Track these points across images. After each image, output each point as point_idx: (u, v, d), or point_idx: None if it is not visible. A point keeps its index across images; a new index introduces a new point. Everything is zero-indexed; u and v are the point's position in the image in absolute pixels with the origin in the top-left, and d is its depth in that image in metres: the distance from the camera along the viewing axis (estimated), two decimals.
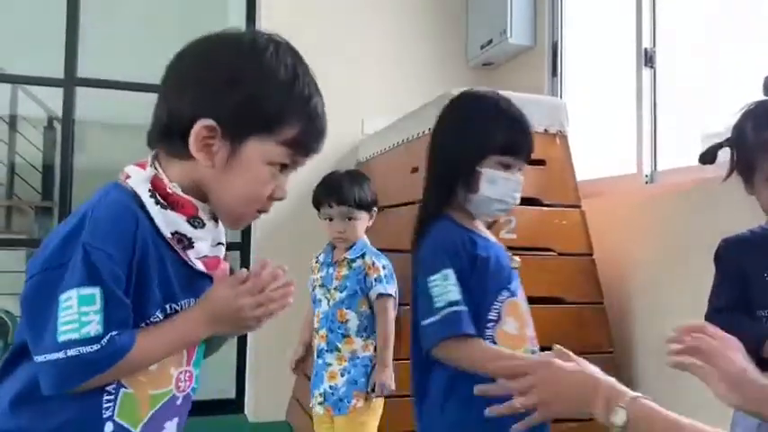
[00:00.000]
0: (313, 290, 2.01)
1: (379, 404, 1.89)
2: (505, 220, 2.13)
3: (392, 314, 1.90)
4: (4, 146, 5.00)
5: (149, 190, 0.82)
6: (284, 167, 0.86)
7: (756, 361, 1.26)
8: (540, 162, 2.20)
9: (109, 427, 0.80)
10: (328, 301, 1.94)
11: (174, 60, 0.87)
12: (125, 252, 0.78)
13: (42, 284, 0.78)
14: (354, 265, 1.93)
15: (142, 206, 0.81)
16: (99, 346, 0.75)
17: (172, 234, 0.83)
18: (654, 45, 2.36)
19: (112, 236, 0.78)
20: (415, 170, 2.29)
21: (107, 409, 0.80)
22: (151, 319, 0.82)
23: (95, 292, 0.75)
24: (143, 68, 3.06)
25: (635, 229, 2.26)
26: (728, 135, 1.32)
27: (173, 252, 0.84)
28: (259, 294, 0.87)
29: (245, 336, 2.99)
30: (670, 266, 2.06)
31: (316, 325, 1.97)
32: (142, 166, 0.85)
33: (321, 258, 2.04)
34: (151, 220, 0.81)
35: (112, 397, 0.80)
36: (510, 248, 2.12)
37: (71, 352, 0.74)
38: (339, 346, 1.91)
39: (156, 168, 0.84)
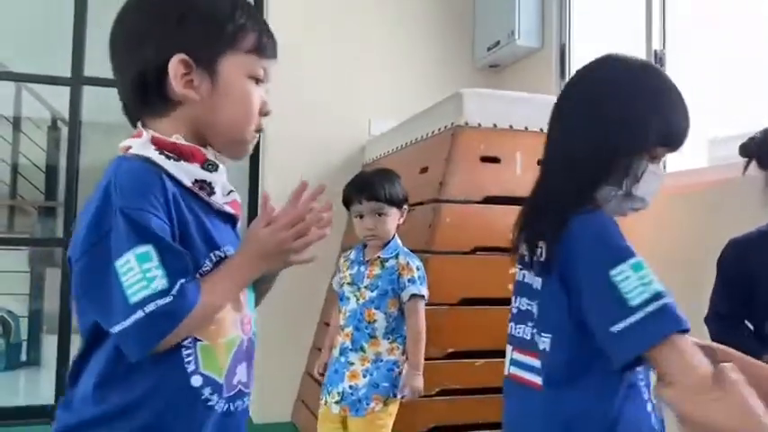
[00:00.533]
0: (341, 287, 1.97)
1: (395, 407, 1.86)
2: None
3: (423, 315, 1.87)
4: (8, 146, 4.99)
5: (155, 150, 0.83)
6: (258, 82, 0.90)
7: None
8: None
9: (197, 380, 0.82)
10: (357, 299, 1.90)
11: (116, 25, 0.89)
12: (161, 207, 0.79)
13: (92, 262, 0.78)
14: (387, 264, 1.90)
15: (156, 166, 0.82)
16: (171, 297, 0.76)
17: (193, 183, 0.84)
18: (664, 47, 2.36)
19: (144, 194, 0.78)
20: (424, 170, 2.29)
21: (189, 363, 0.81)
22: (203, 269, 0.83)
23: (149, 249, 0.76)
24: None
25: (643, 232, 2.25)
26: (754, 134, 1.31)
27: (199, 201, 0.85)
28: (298, 225, 0.88)
29: None
30: (678, 268, 2.05)
31: (342, 322, 1.93)
32: (135, 135, 0.86)
33: (352, 256, 2.00)
34: (170, 176, 0.82)
35: (191, 351, 0.81)
36: None
37: (149, 308, 0.74)
38: (365, 345, 1.87)
39: (149, 131, 0.85)
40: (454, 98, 2.16)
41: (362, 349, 1.86)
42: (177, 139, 0.84)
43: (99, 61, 3.30)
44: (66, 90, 3.11)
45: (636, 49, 2.44)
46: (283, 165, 2.99)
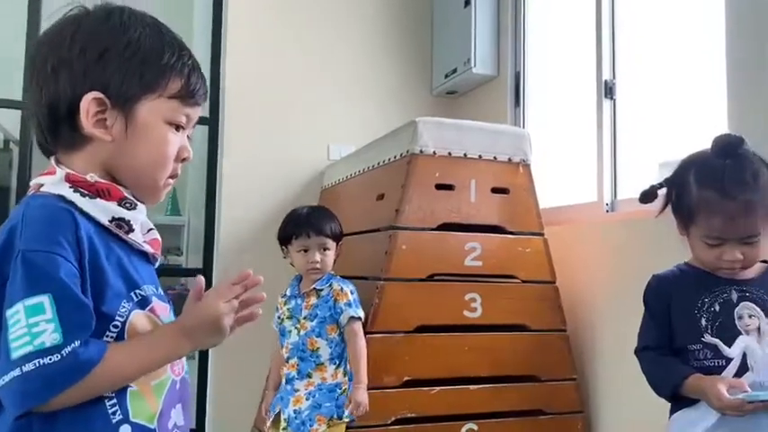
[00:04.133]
0: (280, 323, 2.04)
1: (339, 430, 1.88)
2: (470, 247, 2.15)
3: (362, 335, 1.94)
4: None
5: (69, 187, 0.80)
6: (179, 128, 0.87)
7: (672, 399, 1.32)
8: (504, 191, 2.23)
9: (126, 429, 0.78)
10: (298, 330, 1.98)
11: (36, 49, 0.86)
12: (72, 250, 0.75)
13: None
14: (323, 293, 1.98)
15: (70, 204, 0.79)
16: (59, 357, 0.71)
17: (110, 221, 0.81)
18: (614, 77, 2.43)
19: (53, 234, 0.74)
20: (380, 197, 2.30)
21: (114, 413, 0.77)
22: (120, 312, 0.79)
23: (42, 300, 0.71)
24: None
25: (596, 257, 2.29)
26: (668, 176, 1.39)
27: (117, 240, 0.82)
28: (234, 299, 0.85)
29: (206, 366, 2.94)
30: (630, 293, 2.08)
31: (286, 355, 2.00)
32: (47, 173, 0.83)
33: (288, 292, 2.08)
34: (84, 214, 0.79)
35: (115, 400, 0.77)
36: (476, 276, 2.16)
37: (27, 367, 0.70)
38: (311, 372, 1.94)
39: (63, 168, 0.82)
40: (410, 126, 2.18)
41: (309, 376, 1.93)
42: (92, 177, 0.81)
43: None
44: (17, 112, 3.04)
45: (587, 79, 2.51)
46: (242, 189, 2.97)
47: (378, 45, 3.34)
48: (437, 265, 2.12)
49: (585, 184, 2.48)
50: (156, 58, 0.84)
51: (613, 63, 2.44)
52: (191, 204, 4.00)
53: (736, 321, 1.27)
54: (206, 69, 3.01)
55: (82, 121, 0.81)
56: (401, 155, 2.20)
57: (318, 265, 1.98)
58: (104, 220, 0.81)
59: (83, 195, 0.80)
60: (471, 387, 2.08)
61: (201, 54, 3.01)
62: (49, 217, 0.76)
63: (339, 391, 1.91)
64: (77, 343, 0.72)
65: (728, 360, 1.26)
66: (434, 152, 2.15)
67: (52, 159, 0.85)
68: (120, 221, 0.82)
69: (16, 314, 0.71)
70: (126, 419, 0.78)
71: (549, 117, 2.87)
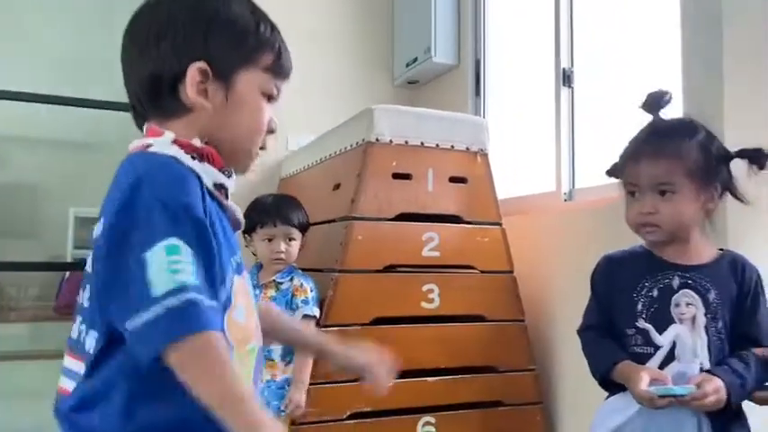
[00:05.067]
0: None
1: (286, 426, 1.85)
2: (428, 237, 2.11)
3: None
4: None
5: (179, 149, 0.81)
6: (270, 99, 0.90)
7: (602, 384, 1.30)
8: (462, 180, 2.19)
9: None
10: None
11: (139, 19, 0.87)
12: (200, 209, 0.76)
13: (118, 256, 0.71)
14: (282, 287, 1.94)
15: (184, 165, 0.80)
16: (194, 295, 0.68)
17: (214, 186, 0.83)
18: (572, 65, 2.41)
19: (187, 191, 0.75)
20: (336, 187, 2.25)
21: None
22: (228, 277, 0.79)
23: (179, 243, 0.71)
24: (60, 82, 2.92)
25: (554, 247, 2.28)
26: None
27: (217, 203, 0.83)
28: None
29: None
30: (588, 283, 2.08)
31: None
32: (152, 134, 0.83)
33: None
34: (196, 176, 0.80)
35: None
36: (433, 266, 2.13)
37: (169, 301, 0.67)
38: (262, 369, 1.87)
39: (170, 131, 0.82)
40: (365, 114, 2.13)
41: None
42: (197, 142, 0.83)
43: (21, 76, 3.12)
44: None
45: (546, 67, 2.49)
46: None
47: (338, 34, 3.28)
48: (394, 255, 2.07)
49: (544, 174, 2.46)
50: (253, 31, 0.87)
51: (571, 51, 2.43)
52: None
53: (672, 309, 1.24)
54: None
55: (187, 89, 0.83)
56: (357, 143, 2.15)
57: (283, 255, 1.94)
58: (209, 184, 0.82)
59: (193, 158, 0.81)
60: (429, 379, 2.05)
61: None
62: (177, 175, 0.77)
63: (288, 388, 1.87)
64: (208, 299, 0.71)
65: (657, 348, 1.23)
66: (391, 140, 2.10)
67: (150, 123, 0.85)
68: (220, 187, 0.84)
69: (156, 254, 0.70)
70: None
71: (509, 106, 2.86)
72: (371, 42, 3.35)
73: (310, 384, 1.86)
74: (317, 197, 2.36)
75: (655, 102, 1.33)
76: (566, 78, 2.40)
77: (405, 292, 2.08)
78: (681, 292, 1.24)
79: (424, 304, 2.08)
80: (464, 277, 2.16)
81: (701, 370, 1.20)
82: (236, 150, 0.88)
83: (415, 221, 2.10)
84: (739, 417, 1.24)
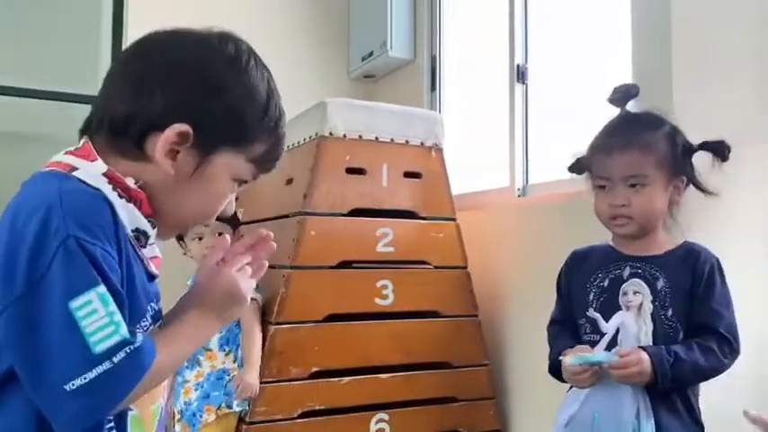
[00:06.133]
0: None
1: (231, 421, 1.81)
2: (382, 233, 2.10)
3: (257, 316, 1.88)
4: None
5: (108, 183, 0.72)
6: (240, 184, 0.83)
7: (554, 375, 1.30)
8: (417, 175, 2.18)
9: None
10: None
11: (135, 52, 0.79)
12: (114, 248, 0.69)
13: (30, 304, 0.63)
14: None
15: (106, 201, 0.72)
16: (136, 346, 0.65)
17: (133, 231, 0.74)
18: (526, 62, 2.42)
19: (101, 227, 0.68)
20: (289, 182, 2.21)
21: None
22: (141, 323, 0.73)
23: (104, 291, 0.65)
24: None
25: (508, 242, 2.29)
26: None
27: (134, 250, 0.75)
28: (247, 265, 0.83)
29: None
30: (541, 278, 2.09)
31: None
32: (84, 156, 0.74)
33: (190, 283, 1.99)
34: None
35: (113, 425, 0.70)
36: (388, 262, 2.11)
37: (118, 357, 0.63)
38: (201, 360, 1.87)
39: (103, 161, 0.74)
40: (319, 107, 2.09)
41: (198, 364, 1.86)
42: (131, 181, 0.74)
43: None
44: None
45: (501, 63, 2.49)
46: None
47: (293, 27, 3.23)
48: (348, 251, 2.05)
49: (498, 169, 2.47)
50: (259, 116, 0.79)
51: (526, 48, 2.44)
52: None
53: (620, 297, 1.25)
54: (107, 53, 2.84)
55: (157, 146, 0.74)
56: (310, 137, 2.11)
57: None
58: (128, 229, 0.73)
59: (120, 197, 0.73)
60: (382, 376, 2.03)
61: (102, 38, 2.84)
62: (93, 207, 0.69)
63: (227, 377, 1.85)
64: (138, 334, 0.68)
65: (603, 335, 1.26)
66: (345, 135, 2.07)
67: (87, 142, 0.76)
68: (139, 235, 0.75)
69: (89, 304, 0.63)
70: None
71: (465, 101, 2.86)
72: (327, 36, 3.30)
73: (261, 383, 1.82)
74: (268, 192, 2.32)
75: (622, 95, 1.34)
76: (520, 75, 2.41)
77: (359, 289, 2.05)
78: (630, 281, 1.26)
79: (378, 300, 2.06)
80: (418, 273, 2.15)
81: None
82: (173, 221, 0.81)
83: (369, 217, 2.08)
84: (686, 405, 1.23)
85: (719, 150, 1.27)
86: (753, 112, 1.79)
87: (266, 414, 1.83)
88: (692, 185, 1.31)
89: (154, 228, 0.78)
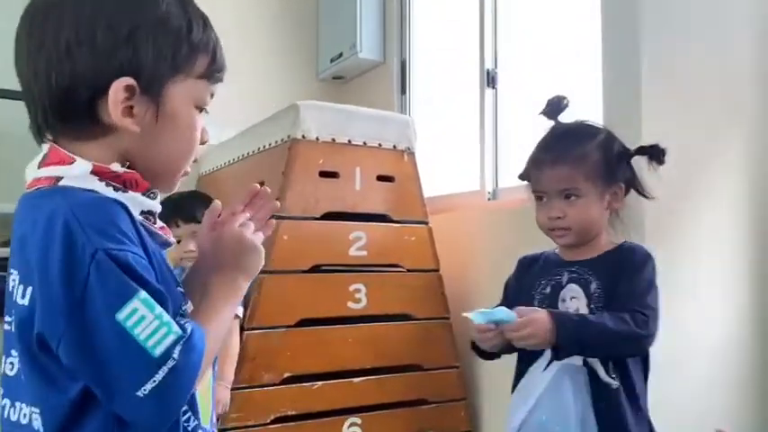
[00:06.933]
0: None
1: None
2: (355, 237, 2.09)
3: (237, 334, 1.83)
4: None
5: (99, 180, 0.70)
6: (202, 110, 0.79)
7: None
8: (389, 179, 2.18)
9: None
10: None
11: (37, 21, 0.71)
12: (140, 247, 0.68)
13: (83, 326, 0.62)
14: None
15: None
16: (188, 336, 0.66)
17: (140, 213, 0.73)
18: (495, 66, 2.45)
19: (121, 233, 0.66)
20: (261, 184, 2.17)
21: (188, 420, 0.72)
22: (183, 308, 0.74)
23: (147, 294, 0.64)
24: None
25: (478, 245, 2.31)
26: None
27: (148, 234, 0.74)
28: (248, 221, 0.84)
29: None
30: (500, 280, 2.12)
31: None
32: (58, 161, 0.71)
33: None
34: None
35: (186, 407, 0.71)
36: (360, 266, 2.10)
37: (177, 353, 0.64)
38: None
39: (82, 158, 0.71)
40: (291, 110, 2.08)
41: None
42: (116, 167, 0.71)
43: None
44: None
45: (471, 68, 2.51)
46: None
47: (261, 26, 3.20)
48: (321, 255, 2.04)
49: (468, 173, 2.49)
50: (185, 34, 0.74)
51: (495, 52, 2.47)
52: None
53: (560, 304, 1.24)
54: None
55: (110, 110, 0.70)
56: (282, 140, 2.10)
57: (193, 254, 1.85)
58: (136, 214, 0.72)
59: (115, 189, 0.71)
60: (355, 380, 2.03)
61: None
62: (108, 212, 0.67)
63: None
64: (184, 323, 0.68)
65: None
66: (317, 138, 2.06)
67: (51, 146, 0.72)
68: (147, 214, 0.75)
69: (135, 312, 0.63)
70: (199, 426, 0.73)
71: (434, 105, 2.87)
72: (295, 36, 3.28)
73: (232, 389, 1.80)
74: (238, 194, 2.28)
75: (554, 107, 1.34)
76: (490, 79, 2.44)
77: (331, 293, 2.05)
78: (567, 287, 1.25)
79: (350, 304, 2.06)
80: (391, 276, 2.16)
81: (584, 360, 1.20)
82: (165, 171, 0.78)
83: (342, 220, 2.08)
84: (633, 406, 1.20)
85: (655, 154, 1.27)
86: (719, 120, 1.85)
87: (239, 420, 1.80)
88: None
89: (155, 198, 0.77)
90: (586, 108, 1.98)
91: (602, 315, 1.15)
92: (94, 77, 0.69)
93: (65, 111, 0.71)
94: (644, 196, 1.31)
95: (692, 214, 1.81)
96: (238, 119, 2.74)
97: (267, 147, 2.20)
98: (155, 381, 0.62)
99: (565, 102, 1.33)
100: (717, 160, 1.85)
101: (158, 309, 0.64)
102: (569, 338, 1.12)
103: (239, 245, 0.81)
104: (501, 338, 1.17)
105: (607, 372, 1.18)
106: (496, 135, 2.43)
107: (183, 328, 0.66)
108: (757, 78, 1.90)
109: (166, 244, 0.79)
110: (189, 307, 0.76)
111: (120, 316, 0.62)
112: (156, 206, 0.76)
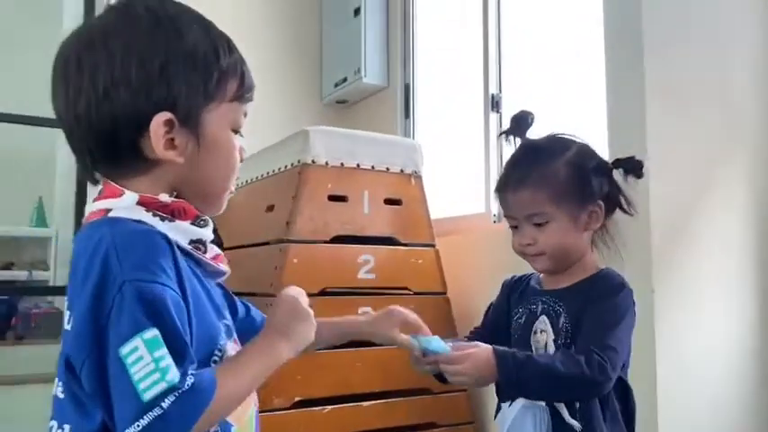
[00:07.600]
0: None
1: None
2: (363, 260, 2.10)
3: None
4: None
5: (146, 211, 0.72)
6: (238, 131, 0.82)
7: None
8: (397, 202, 2.21)
9: None
10: None
11: (73, 62, 0.73)
12: (174, 277, 0.69)
13: (100, 354, 0.65)
14: None
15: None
16: (187, 387, 0.64)
17: (189, 243, 0.75)
18: (500, 91, 2.49)
19: (156, 261, 0.67)
20: (270, 209, 2.20)
21: None
22: (219, 345, 0.75)
23: (156, 333, 0.64)
24: None
25: (484, 267, 2.32)
26: None
27: (194, 262, 0.76)
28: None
29: None
30: (479, 303, 2.13)
31: None
32: (110, 195, 0.74)
33: None
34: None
35: None
36: (369, 289, 2.12)
37: (166, 403, 0.62)
38: None
39: (130, 190, 0.73)
40: (300, 135, 2.10)
41: None
42: (164, 197, 0.74)
43: None
44: None
45: (475, 92, 2.55)
46: None
47: (266, 52, 3.23)
48: (330, 278, 2.05)
49: (473, 196, 2.52)
50: (214, 62, 0.77)
51: (500, 77, 2.51)
52: (59, 215, 3.67)
53: (531, 337, 1.14)
54: None
55: (153, 145, 0.72)
56: (292, 164, 2.12)
57: None
58: (185, 244, 0.74)
59: (162, 219, 0.73)
60: (364, 404, 2.03)
61: None
62: (147, 244, 0.69)
63: None
64: (192, 373, 0.66)
65: None
66: (327, 162, 2.09)
67: (104, 181, 0.76)
68: (197, 243, 0.76)
69: (136, 350, 0.63)
70: None
71: (438, 129, 2.91)
72: (300, 61, 3.32)
73: None
74: (248, 218, 2.31)
75: (519, 124, 1.22)
76: (494, 104, 2.47)
77: (340, 316, 2.05)
78: (540, 318, 1.15)
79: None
80: (399, 299, 2.16)
81: None
82: (212, 194, 0.81)
83: (350, 243, 2.09)
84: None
85: (631, 168, 1.16)
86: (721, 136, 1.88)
87: None
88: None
89: (205, 226, 0.78)
90: (591, 128, 2.01)
91: (555, 355, 1.06)
92: (134, 116, 0.72)
93: (110, 152, 0.74)
94: (627, 213, 1.17)
95: (698, 230, 1.83)
96: (243, 142, 2.77)
97: (277, 171, 2.23)
98: (138, 426, 0.62)
99: (531, 117, 1.22)
100: (720, 174, 1.87)
101: (161, 351, 0.64)
102: (508, 379, 1.03)
103: (294, 309, 0.83)
104: (437, 367, 1.08)
105: (571, 413, 1.07)
106: (501, 158, 2.45)
107: (183, 377, 0.65)
108: (758, 93, 1.94)
109: (219, 273, 0.80)
110: (227, 344, 0.76)
111: (123, 351, 0.63)
112: (205, 234, 0.78)
